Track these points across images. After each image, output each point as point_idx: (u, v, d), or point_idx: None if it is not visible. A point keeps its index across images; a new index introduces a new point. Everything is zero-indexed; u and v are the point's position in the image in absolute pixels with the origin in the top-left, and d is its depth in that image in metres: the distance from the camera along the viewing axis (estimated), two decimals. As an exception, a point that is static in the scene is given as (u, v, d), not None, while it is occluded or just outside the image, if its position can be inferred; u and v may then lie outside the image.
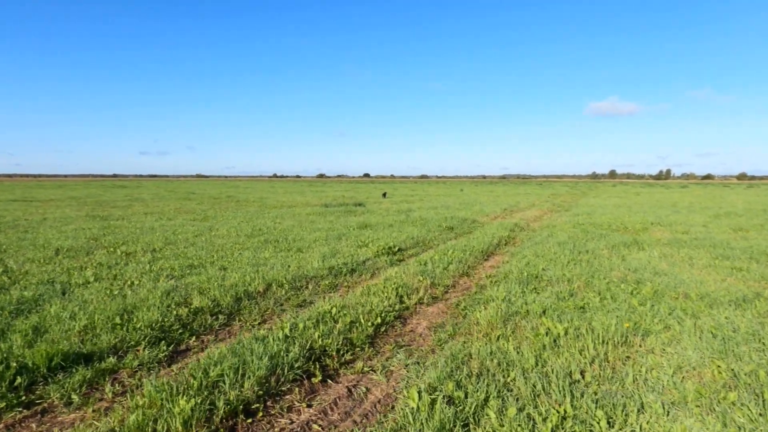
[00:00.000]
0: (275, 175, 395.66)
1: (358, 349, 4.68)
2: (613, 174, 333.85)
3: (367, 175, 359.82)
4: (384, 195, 35.48)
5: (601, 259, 8.77)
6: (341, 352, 4.50)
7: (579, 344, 4.45)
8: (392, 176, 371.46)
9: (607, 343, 4.44)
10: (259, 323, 5.42)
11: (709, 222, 15.42)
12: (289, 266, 7.99)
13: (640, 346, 4.50)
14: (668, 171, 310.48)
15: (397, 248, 10.05)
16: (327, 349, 4.50)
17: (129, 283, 6.72)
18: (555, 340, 4.58)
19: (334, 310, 5.44)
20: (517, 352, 4.34)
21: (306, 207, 23.19)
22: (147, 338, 4.59)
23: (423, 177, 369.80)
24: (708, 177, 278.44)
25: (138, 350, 4.41)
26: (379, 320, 5.32)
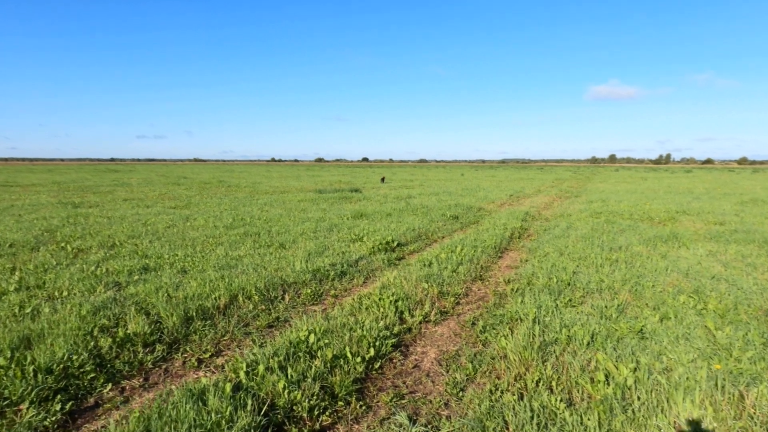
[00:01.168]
0: (273, 160, 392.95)
1: (340, 403, 3.29)
2: (613, 159, 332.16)
3: (365, 160, 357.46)
4: (382, 180, 34.01)
5: (640, 258, 7.36)
6: (316, 412, 3.12)
7: (659, 399, 3.08)
8: (391, 161, 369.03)
9: (705, 402, 3.06)
10: (212, 355, 4.03)
11: (739, 210, 14.02)
12: (265, 268, 6.59)
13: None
14: (668, 155, 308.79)
15: (396, 243, 8.65)
16: (295, 408, 3.12)
17: (55, 294, 5.31)
18: (623, 394, 3.20)
19: (312, 338, 4.04)
20: (573, 415, 2.97)
21: (299, 193, 21.74)
22: (38, 389, 3.19)
23: (422, 161, 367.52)
24: (708, 162, 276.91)
25: (20, 410, 3.02)
26: (372, 351, 3.93)
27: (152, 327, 4.31)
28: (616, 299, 5.28)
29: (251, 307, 5.09)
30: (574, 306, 5.17)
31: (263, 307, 5.16)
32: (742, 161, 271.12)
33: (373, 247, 8.19)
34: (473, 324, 4.89)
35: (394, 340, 4.30)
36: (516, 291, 5.85)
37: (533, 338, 4.13)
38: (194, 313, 4.67)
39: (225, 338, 4.37)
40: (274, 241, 8.74)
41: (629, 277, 6.12)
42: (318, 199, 17.81)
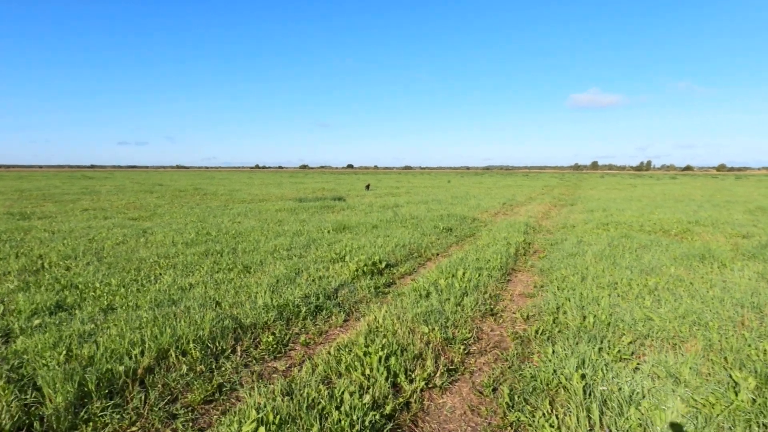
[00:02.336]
0: (257, 166, 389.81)
1: None
2: (595, 165, 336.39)
3: (350, 166, 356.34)
4: (367, 187, 32.63)
5: (682, 284, 6.07)
6: None
7: None
8: (376, 167, 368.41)
9: None
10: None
11: (753, 221, 12.96)
12: (218, 303, 5.15)
13: None
14: (649, 162, 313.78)
15: (384, 264, 7.25)
16: None
17: None
18: None
19: (261, 434, 2.64)
20: None
21: (278, 201, 20.24)
22: None
23: (407, 168, 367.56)
24: (688, 168, 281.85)
25: None
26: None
27: (18, 417, 2.85)
28: (680, 350, 3.96)
29: (186, 369, 3.64)
30: (626, 360, 3.84)
31: (204, 367, 3.71)
32: (721, 168, 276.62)
33: (357, 270, 6.79)
34: (494, 390, 3.52)
35: (387, 428, 2.91)
36: (541, 334, 4.51)
37: (593, 427, 2.78)
38: (95, 386, 3.21)
39: (134, 428, 2.94)
40: (238, 262, 7.28)
41: (683, 313, 4.82)
42: (298, 208, 16.35)
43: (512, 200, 22.21)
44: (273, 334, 4.44)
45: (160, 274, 6.58)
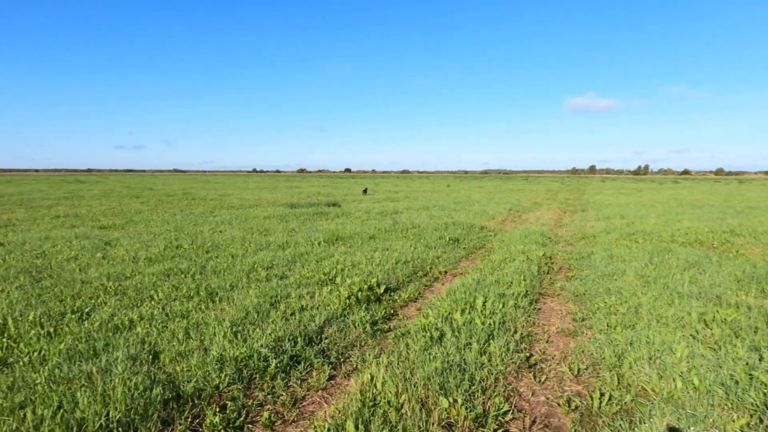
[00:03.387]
0: (254, 170, 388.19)
1: None
2: (593, 169, 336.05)
3: (348, 171, 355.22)
4: (365, 191, 31.28)
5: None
6: None
7: None
8: (373, 171, 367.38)
9: None
10: None
11: (793, 230, 11.64)
12: (155, 356, 3.78)
13: None
14: (646, 166, 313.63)
15: (383, 287, 5.89)
16: None
17: None
18: None
19: None
20: None
21: (269, 207, 18.88)
22: None
23: (404, 172, 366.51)
24: (686, 172, 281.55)
25: None
26: None
27: None
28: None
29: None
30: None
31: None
32: (719, 172, 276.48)
33: (349, 297, 5.44)
34: None
35: None
36: (608, 402, 3.16)
37: None
38: None
39: None
40: (203, 286, 5.90)
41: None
42: (288, 215, 14.98)
43: (518, 206, 20.89)
44: (223, 407, 3.08)
45: (101, 303, 5.21)
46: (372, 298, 5.63)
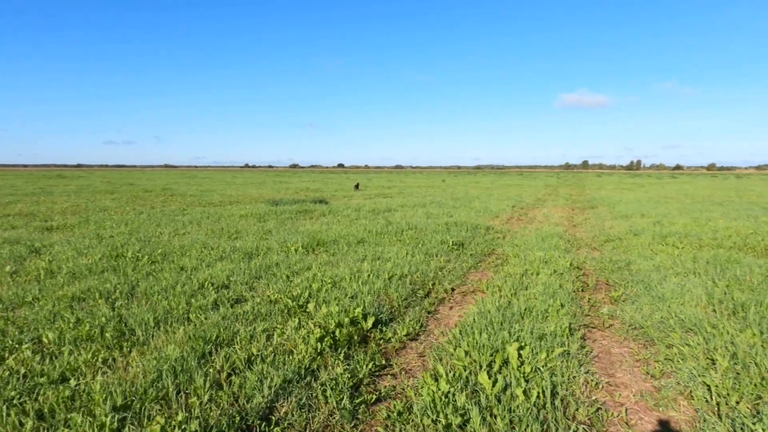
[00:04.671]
0: (247, 165, 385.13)
1: None
2: (585, 165, 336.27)
3: (341, 166, 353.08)
4: (356, 187, 29.55)
5: None
6: None
7: None
8: (366, 166, 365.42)
9: None
10: None
11: None
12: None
13: None
14: (638, 162, 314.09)
15: (371, 319, 4.24)
16: None
17: None
18: None
19: None
20: None
21: (250, 204, 17.15)
22: None
23: (398, 167, 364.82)
24: (678, 168, 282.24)
25: None
26: None
27: None
28: None
29: None
30: None
31: None
32: (711, 167, 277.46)
33: (323, 337, 3.78)
34: None
35: None
36: None
37: None
38: None
39: None
40: (112, 322, 4.21)
41: None
42: (268, 214, 13.27)
43: (521, 202, 19.30)
44: None
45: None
46: (355, 336, 3.98)
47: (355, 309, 4.28)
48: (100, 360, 3.40)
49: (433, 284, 5.95)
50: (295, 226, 11.03)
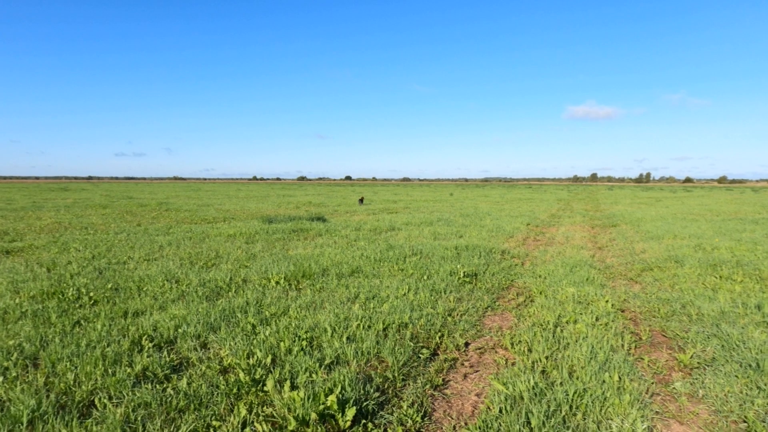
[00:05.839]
0: (255, 178, 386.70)
1: None
2: (594, 177, 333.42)
3: (348, 178, 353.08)
4: (361, 201, 28.28)
5: None
6: None
7: None
8: (374, 179, 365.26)
9: None
10: None
11: None
12: None
13: None
14: (648, 174, 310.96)
15: (353, 411, 2.91)
16: None
17: None
18: None
19: None
20: None
21: (244, 221, 15.93)
22: None
23: (405, 179, 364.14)
24: (688, 180, 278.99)
25: None
26: None
27: None
28: None
29: None
30: None
31: None
32: (722, 180, 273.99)
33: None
34: None
35: None
36: None
37: None
38: None
39: None
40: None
41: None
42: (258, 233, 12.01)
43: (535, 219, 17.91)
44: None
45: None
46: (326, 445, 2.66)
47: (328, 396, 2.95)
48: None
49: (442, 336, 4.61)
50: (285, 248, 9.75)
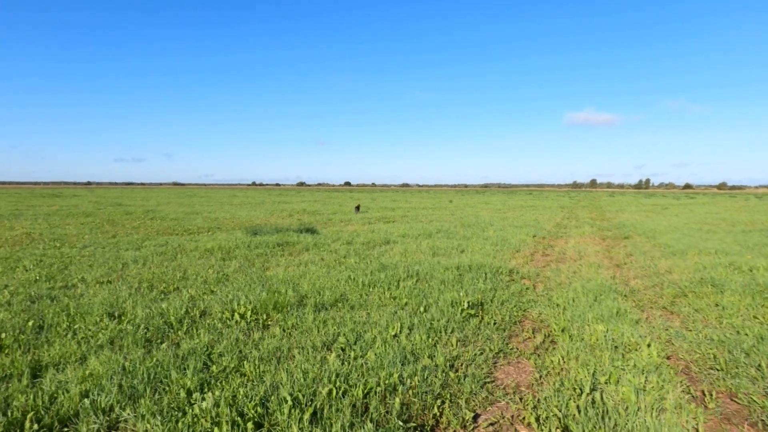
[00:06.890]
0: (254, 183, 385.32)
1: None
2: (593, 183, 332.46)
3: (348, 184, 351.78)
4: (357, 209, 27.08)
5: None
6: None
7: None
8: (373, 185, 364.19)
9: None
10: None
11: None
12: None
13: None
14: (647, 180, 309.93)
15: None
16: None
17: None
18: None
19: None
20: None
21: (228, 232, 14.77)
22: None
23: (404, 185, 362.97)
24: (688, 186, 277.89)
25: None
26: None
27: None
28: None
29: None
30: None
31: None
32: (722, 186, 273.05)
33: None
34: None
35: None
36: None
37: None
38: None
39: None
40: None
41: None
42: (239, 247, 10.82)
43: (541, 229, 16.75)
44: None
45: None
46: None
47: None
48: None
49: (442, 404, 3.45)
50: (264, 266, 8.60)
